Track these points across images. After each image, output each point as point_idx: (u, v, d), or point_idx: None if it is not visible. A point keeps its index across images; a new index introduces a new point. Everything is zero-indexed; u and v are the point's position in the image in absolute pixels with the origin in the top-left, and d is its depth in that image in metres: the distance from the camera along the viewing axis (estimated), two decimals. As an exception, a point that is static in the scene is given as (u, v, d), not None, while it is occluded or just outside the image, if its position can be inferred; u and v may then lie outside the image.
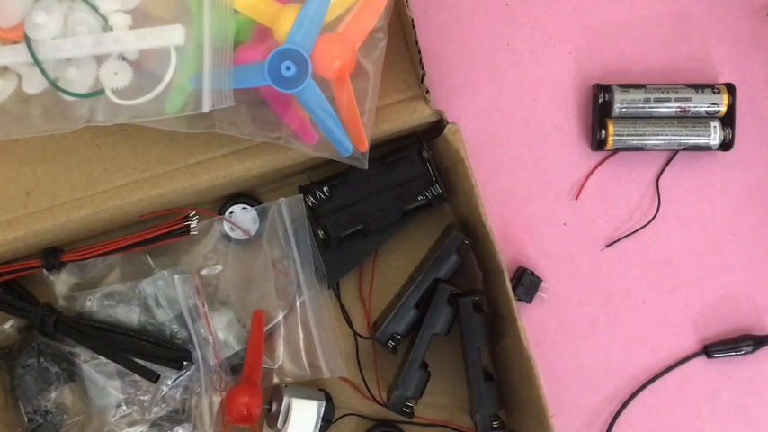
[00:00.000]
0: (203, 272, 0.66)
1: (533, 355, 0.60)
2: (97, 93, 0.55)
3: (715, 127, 0.68)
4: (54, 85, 0.55)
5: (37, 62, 0.54)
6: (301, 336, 0.65)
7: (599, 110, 0.69)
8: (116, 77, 0.54)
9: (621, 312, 0.70)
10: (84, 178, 0.62)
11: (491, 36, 0.71)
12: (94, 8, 0.53)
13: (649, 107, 0.68)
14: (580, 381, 0.69)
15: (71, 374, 0.64)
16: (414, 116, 0.62)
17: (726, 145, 0.69)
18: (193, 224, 0.63)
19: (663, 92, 0.68)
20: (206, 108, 0.52)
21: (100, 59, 0.54)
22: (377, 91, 0.57)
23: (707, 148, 0.69)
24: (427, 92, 0.61)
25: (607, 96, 0.69)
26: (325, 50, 0.53)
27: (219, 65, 0.53)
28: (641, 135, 0.68)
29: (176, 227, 0.63)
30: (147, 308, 0.64)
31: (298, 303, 0.65)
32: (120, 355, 0.62)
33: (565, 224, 0.70)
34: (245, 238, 0.66)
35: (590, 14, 0.71)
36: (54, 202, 0.62)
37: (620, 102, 0.68)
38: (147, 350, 0.62)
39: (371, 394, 0.67)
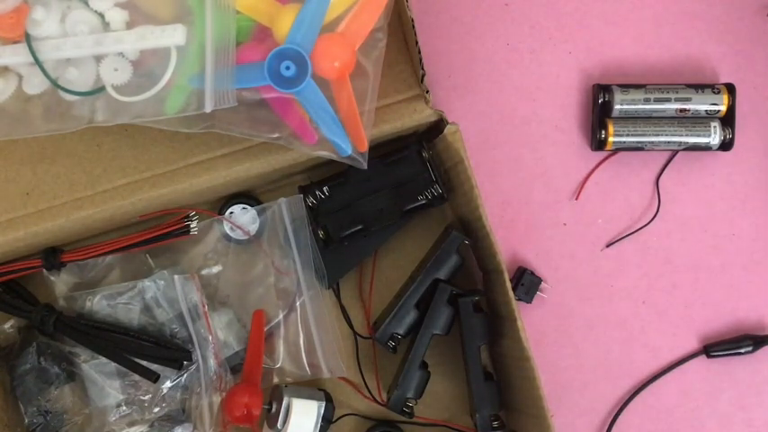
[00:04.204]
0: (203, 272, 0.66)
1: (533, 356, 0.60)
2: (98, 90, 0.55)
3: (715, 127, 0.68)
4: (55, 83, 0.55)
5: (37, 61, 0.54)
6: (301, 336, 0.65)
7: (599, 110, 0.69)
8: (116, 74, 0.54)
9: (621, 312, 0.70)
10: (84, 178, 0.62)
11: (491, 36, 0.71)
12: (86, 3, 0.53)
13: (649, 107, 0.68)
14: (580, 381, 0.69)
15: (71, 374, 0.64)
16: (414, 116, 0.62)
17: (726, 145, 0.69)
18: (193, 224, 0.63)
19: (663, 92, 0.68)
20: (208, 108, 0.53)
21: (99, 59, 0.54)
22: (377, 91, 0.57)
23: (707, 148, 0.69)
24: (427, 92, 0.61)
25: (607, 96, 0.69)
26: (325, 50, 0.53)
27: (222, 65, 0.53)
28: (641, 135, 0.68)
29: (176, 227, 0.63)
30: (147, 308, 0.64)
31: (298, 303, 0.65)
32: (120, 355, 0.62)
33: (565, 224, 0.70)
34: (245, 238, 0.66)
35: (590, 14, 0.71)
36: (54, 202, 0.62)
37: (620, 102, 0.68)
38: (147, 350, 0.62)
39: (371, 394, 0.67)
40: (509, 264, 0.70)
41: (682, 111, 0.68)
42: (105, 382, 0.63)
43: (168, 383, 0.64)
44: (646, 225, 0.70)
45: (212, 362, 0.63)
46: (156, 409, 0.63)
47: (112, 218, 0.62)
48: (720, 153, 0.69)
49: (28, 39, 0.54)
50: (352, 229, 0.64)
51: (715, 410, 0.70)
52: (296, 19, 0.52)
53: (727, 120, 0.69)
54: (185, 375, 0.64)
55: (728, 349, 0.69)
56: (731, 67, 0.71)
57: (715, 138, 0.68)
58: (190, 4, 0.53)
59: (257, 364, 0.63)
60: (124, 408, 0.63)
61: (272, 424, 0.63)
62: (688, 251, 0.70)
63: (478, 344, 0.63)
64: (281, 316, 0.66)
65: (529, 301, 0.69)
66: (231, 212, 0.66)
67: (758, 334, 0.69)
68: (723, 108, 0.68)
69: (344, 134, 0.56)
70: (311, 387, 0.66)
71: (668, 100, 0.68)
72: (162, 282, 0.64)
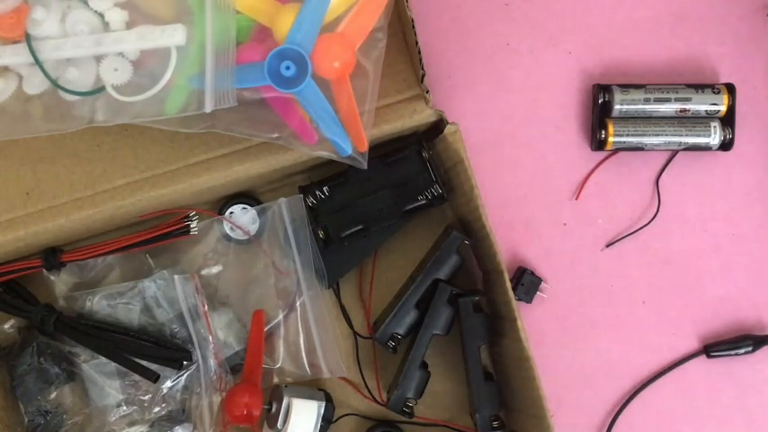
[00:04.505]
0: (203, 272, 0.66)
1: (533, 356, 0.60)
2: (98, 90, 0.55)
3: (715, 127, 0.68)
4: (55, 83, 0.55)
5: (38, 62, 0.54)
6: (301, 336, 0.65)
7: (599, 110, 0.69)
8: (116, 74, 0.54)
9: (621, 312, 0.70)
10: (84, 178, 0.62)
11: (491, 36, 0.71)
12: (86, 3, 0.53)
13: (649, 107, 0.68)
14: (580, 381, 0.69)
15: (71, 374, 0.64)
16: (414, 116, 0.62)
17: (726, 145, 0.69)
18: (193, 224, 0.63)
19: (663, 92, 0.68)
20: (209, 108, 0.53)
21: (99, 59, 0.54)
22: (377, 91, 0.57)
23: (707, 148, 0.69)
24: (427, 92, 0.61)
25: (607, 96, 0.69)
26: (325, 50, 0.53)
27: (222, 65, 0.53)
28: (641, 135, 0.68)
29: (176, 227, 0.63)
30: (147, 308, 0.64)
31: (298, 303, 0.65)
32: (120, 355, 0.62)
33: (565, 224, 0.70)
34: (245, 238, 0.66)
35: (590, 14, 0.71)
36: (54, 202, 0.62)
37: (620, 102, 0.68)
38: (147, 350, 0.62)
39: (371, 394, 0.67)
40: (509, 264, 0.70)
41: (682, 111, 0.68)
42: (105, 382, 0.63)
43: (168, 383, 0.64)
44: (646, 225, 0.70)
45: (212, 362, 0.63)
46: (156, 409, 0.63)
47: (112, 218, 0.62)
48: (720, 153, 0.69)
49: (28, 39, 0.54)
50: (352, 229, 0.64)
51: (715, 410, 0.70)
52: (296, 19, 0.52)
53: (727, 120, 0.69)
54: (185, 375, 0.64)
55: (728, 349, 0.69)
56: (731, 67, 0.71)
57: (715, 138, 0.68)
58: (190, 4, 0.53)
59: (257, 364, 0.63)
60: (124, 408, 0.63)
61: (272, 424, 0.63)
62: (688, 251, 0.70)
63: (478, 344, 0.63)
64: (281, 316, 0.66)
65: (529, 301, 0.69)
66: (231, 212, 0.66)
67: (758, 334, 0.69)
68: (723, 108, 0.68)
69: (344, 134, 0.56)
70: (311, 387, 0.66)
71: (668, 100, 0.68)
72: (162, 282, 0.64)
